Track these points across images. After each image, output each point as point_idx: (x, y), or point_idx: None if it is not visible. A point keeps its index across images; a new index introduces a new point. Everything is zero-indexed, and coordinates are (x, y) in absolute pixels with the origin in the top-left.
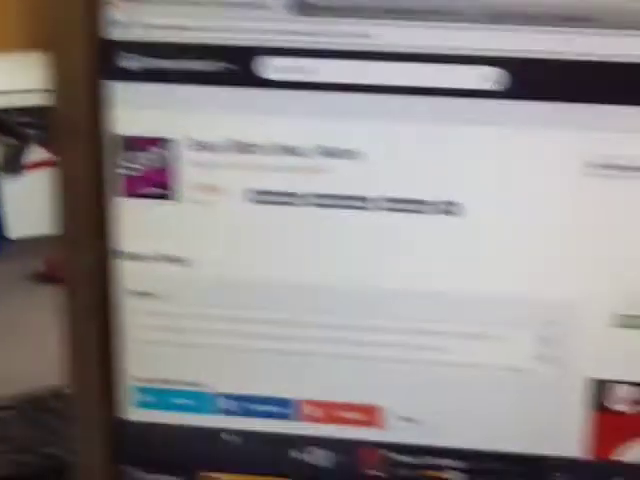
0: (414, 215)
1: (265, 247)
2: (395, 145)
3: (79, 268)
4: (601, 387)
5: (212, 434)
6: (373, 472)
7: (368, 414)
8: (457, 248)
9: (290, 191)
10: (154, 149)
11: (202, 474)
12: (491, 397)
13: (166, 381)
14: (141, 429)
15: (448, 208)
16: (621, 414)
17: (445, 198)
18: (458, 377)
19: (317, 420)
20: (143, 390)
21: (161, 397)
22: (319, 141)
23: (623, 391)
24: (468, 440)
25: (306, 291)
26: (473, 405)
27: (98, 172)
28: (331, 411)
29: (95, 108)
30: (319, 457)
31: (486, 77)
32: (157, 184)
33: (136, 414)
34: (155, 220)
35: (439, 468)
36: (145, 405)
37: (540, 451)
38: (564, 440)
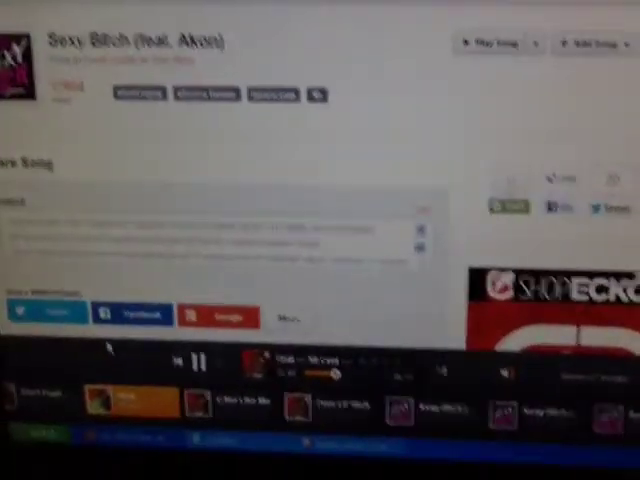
0: (277, 104)
1: (129, 146)
2: (256, 30)
3: None
4: (481, 276)
5: (92, 344)
6: (255, 374)
7: (245, 315)
8: (323, 137)
9: (154, 84)
10: (11, 46)
11: (88, 386)
12: (368, 292)
13: (40, 292)
14: (18, 343)
15: (313, 95)
16: (503, 303)
17: (309, 84)
18: (333, 273)
19: (197, 324)
20: (16, 302)
21: (36, 309)
22: (177, 28)
23: (504, 279)
24: (347, 337)
25: (173, 191)
26: (350, 301)
27: None
28: (210, 315)
29: None
30: (202, 362)
31: None
32: (15, 83)
33: (11, 328)
34: (16, 122)
35: (319, 367)
36: (19, 318)
37: (423, 345)
38: (446, 332)
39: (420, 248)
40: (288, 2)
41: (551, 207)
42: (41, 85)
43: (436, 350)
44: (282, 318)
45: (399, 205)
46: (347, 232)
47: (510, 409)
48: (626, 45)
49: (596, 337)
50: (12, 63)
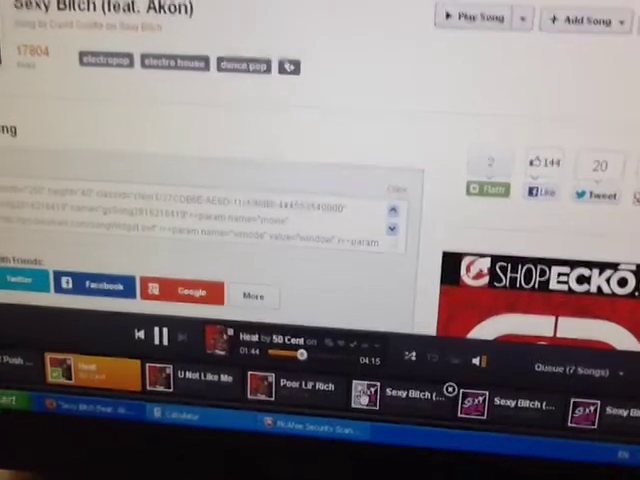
0: (247, 75)
1: (94, 114)
2: None
3: None
4: (456, 260)
5: (54, 314)
6: (218, 351)
7: (210, 291)
8: (294, 111)
9: (120, 51)
10: None
11: (49, 355)
12: (337, 272)
13: (1, 258)
14: None
15: (284, 66)
16: (478, 289)
17: (281, 55)
18: (301, 251)
19: (160, 298)
20: None
21: None
22: None
23: (479, 265)
24: (314, 317)
25: (138, 160)
26: (318, 281)
27: None
28: (173, 288)
29: None
30: (164, 336)
31: None
32: None
33: None
34: None
35: (284, 346)
36: None
37: (393, 329)
38: (417, 317)
39: (392, 229)
40: None
41: (532, 192)
42: (5, 49)
43: (405, 335)
44: (247, 295)
45: (371, 184)
46: (316, 210)
47: (480, 398)
48: (621, 23)
49: (575, 329)
50: None
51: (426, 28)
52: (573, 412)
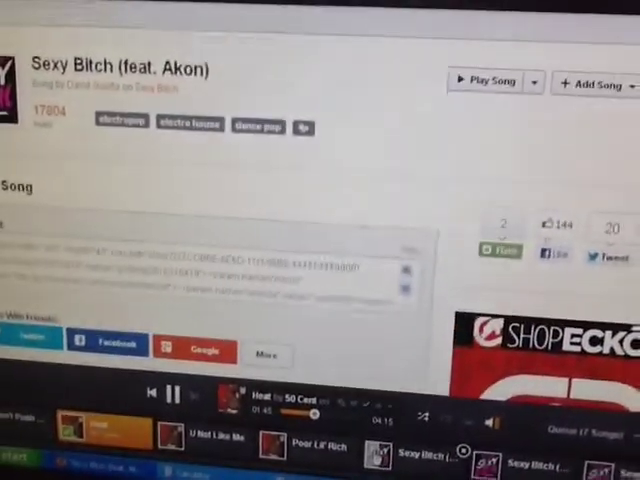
0: (262, 136)
1: (110, 173)
2: (240, 60)
3: None
4: (469, 321)
5: (66, 371)
6: (230, 410)
7: (223, 349)
8: (308, 172)
9: (135, 111)
10: None
11: (61, 413)
12: (350, 331)
13: (15, 315)
14: None
15: (299, 127)
16: (491, 350)
17: (296, 117)
18: (315, 311)
19: (173, 356)
20: None
21: (11, 332)
22: (162, 56)
23: (492, 325)
24: (326, 377)
25: (152, 220)
26: (331, 340)
27: None
28: (186, 347)
29: None
30: (176, 395)
31: None
32: None
33: None
34: None
35: (297, 406)
36: None
37: (405, 388)
38: (430, 377)
39: (405, 289)
40: (276, 32)
41: (545, 253)
42: (23, 108)
43: (418, 395)
44: (260, 354)
45: (385, 244)
46: (330, 269)
47: (493, 460)
48: (631, 87)
49: (588, 390)
50: None
51: (439, 92)
52: (587, 475)
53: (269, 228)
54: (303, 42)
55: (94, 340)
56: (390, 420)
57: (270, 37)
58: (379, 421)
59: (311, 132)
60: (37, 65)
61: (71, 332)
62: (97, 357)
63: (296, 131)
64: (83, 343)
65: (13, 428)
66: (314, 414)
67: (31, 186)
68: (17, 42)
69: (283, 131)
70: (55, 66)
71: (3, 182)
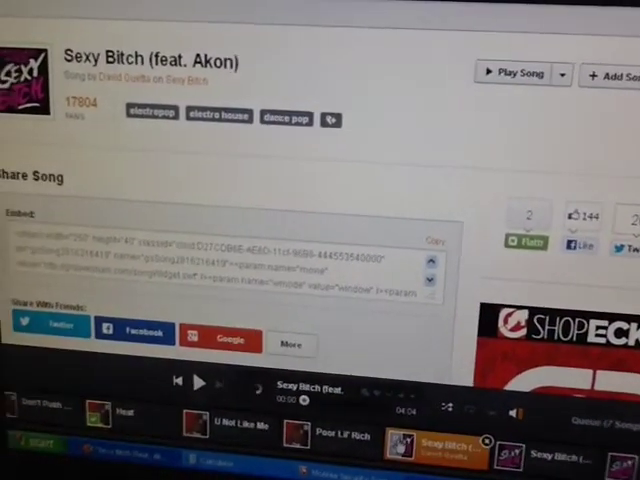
0: (290, 127)
1: (139, 164)
2: (270, 52)
3: None
4: (493, 312)
5: (94, 359)
6: (254, 398)
7: (248, 339)
8: (335, 163)
9: (166, 103)
10: (28, 60)
11: (87, 400)
12: (375, 322)
13: (45, 304)
14: (20, 353)
15: (326, 119)
16: (515, 341)
17: (323, 108)
18: (339, 301)
19: (198, 345)
20: (21, 313)
21: (40, 320)
22: (193, 49)
23: (517, 317)
24: (350, 367)
25: (180, 210)
26: (356, 330)
27: None
28: (212, 336)
29: None
30: (201, 383)
31: None
32: (30, 98)
33: (15, 338)
34: (29, 136)
35: (321, 395)
36: (23, 328)
37: (430, 379)
38: (454, 368)
39: (430, 280)
40: (305, 24)
41: (570, 245)
42: (55, 100)
43: (442, 385)
44: (285, 344)
45: (410, 235)
46: (355, 260)
47: (517, 451)
48: None
49: (612, 382)
50: (28, 77)
51: (466, 83)
52: (611, 466)
53: (295, 219)
54: (332, 34)
55: (121, 328)
56: (413, 410)
57: (298, 29)
58: (402, 411)
59: (338, 124)
60: (69, 57)
61: (99, 320)
62: (124, 345)
63: (323, 123)
64: (111, 331)
65: (41, 415)
66: (337, 403)
67: (62, 176)
68: (50, 34)
69: (310, 123)
70: (87, 58)
71: (34, 172)
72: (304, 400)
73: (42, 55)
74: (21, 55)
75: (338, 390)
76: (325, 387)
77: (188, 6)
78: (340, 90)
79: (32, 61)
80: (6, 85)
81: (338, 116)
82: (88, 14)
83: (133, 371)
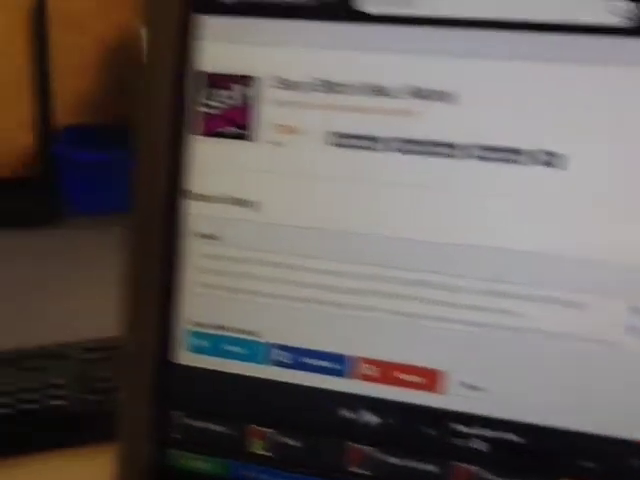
0: (508, 165)
1: (340, 195)
2: (493, 87)
3: (148, 206)
4: None
5: (263, 386)
6: (425, 438)
7: (427, 378)
8: (554, 204)
9: (374, 135)
10: (237, 87)
11: (252, 426)
12: (570, 371)
13: (221, 327)
14: (192, 374)
15: (548, 159)
16: None
17: (545, 147)
18: (534, 346)
19: (373, 380)
20: (197, 335)
21: (215, 343)
22: (410, 81)
23: None
24: (535, 414)
25: (378, 244)
26: (547, 378)
27: (178, 109)
28: (389, 371)
29: (183, 43)
30: (371, 418)
31: (616, 10)
32: (235, 123)
33: (188, 358)
34: (228, 161)
35: (497, 441)
36: (198, 350)
37: (621, 435)
38: None
39: (634, 330)
40: (530, 60)
41: None
42: (259, 127)
43: (632, 441)
44: (467, 386)
45: (619, 283)
46: (553, 305)
47: None
48: None
49: None
50: (234, 104)
51: None
52: None
53: (492, 258)
54: (556, 70)
55: (294, 357)
56: (596, 464)
57: (524, 65)
58: (584, 464)
59: (560, 165)
60: (278, 85)
61: (273, 347)
62: (295, 374)
63: (546, 163)
64: (283, 359)
65: (204, 437)
66: (516, 451)
67: (258, 202)
68: (261, 61)
69: (534, 162)
70: (295, 86)
71: (230, 197)
72: (480, 445)
73: (252, 82)
74: (230, 81)
75: (519, 438)
76: (504, 434)
77: (408, 39)
78: (563, 129)
79: (241, 87)
80: (214, 110)
81: (560, 156)
82: (300, 43)
83: (300, 401)
